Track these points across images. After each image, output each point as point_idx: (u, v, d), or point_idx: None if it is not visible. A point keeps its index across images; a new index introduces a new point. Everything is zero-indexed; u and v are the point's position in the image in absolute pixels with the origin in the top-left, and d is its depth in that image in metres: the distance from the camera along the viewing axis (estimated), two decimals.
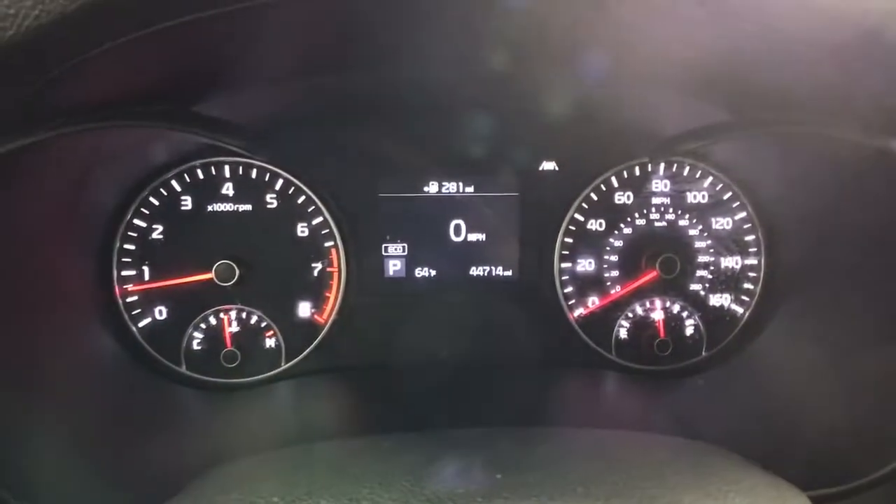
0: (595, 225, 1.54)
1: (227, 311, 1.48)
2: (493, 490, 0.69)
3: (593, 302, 1.55)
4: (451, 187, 1.53)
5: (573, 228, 1.54)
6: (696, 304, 1.55)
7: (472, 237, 1.54)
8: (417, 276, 1.54)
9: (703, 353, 1.55)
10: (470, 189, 1.53)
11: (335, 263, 1.50)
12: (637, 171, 1.53)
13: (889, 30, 0.83)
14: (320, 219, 1.49)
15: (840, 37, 0.86)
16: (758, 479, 0.84)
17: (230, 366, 1.47)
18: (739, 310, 1.55)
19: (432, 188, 1.53)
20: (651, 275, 1.50)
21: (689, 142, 1.27)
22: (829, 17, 0.82)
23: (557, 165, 1.53)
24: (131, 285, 1.45)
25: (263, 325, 1.49)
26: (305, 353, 1.51)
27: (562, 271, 1.54)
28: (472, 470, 0.73)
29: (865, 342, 1.20)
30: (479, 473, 0.71)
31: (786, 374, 1.38)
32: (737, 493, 0.77)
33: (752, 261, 1.54)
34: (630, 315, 1.55)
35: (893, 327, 1.15)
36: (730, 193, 1.53)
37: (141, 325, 1.47)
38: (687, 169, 1.53)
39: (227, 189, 1.47)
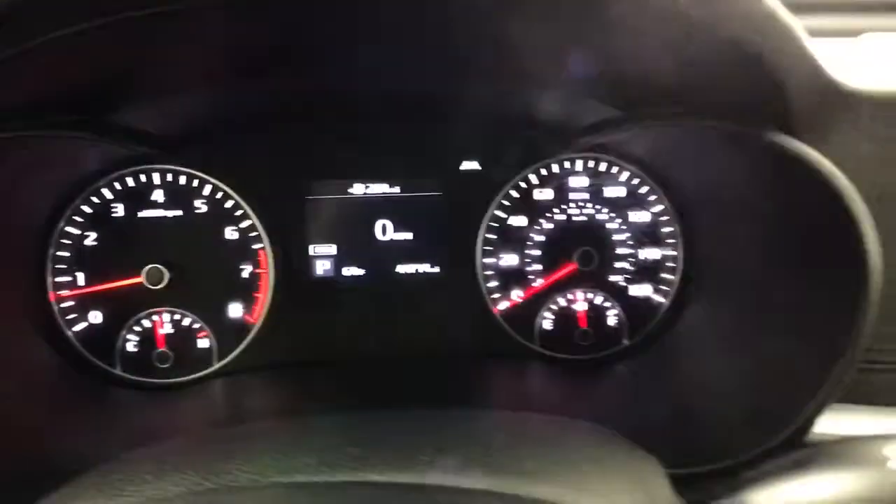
0: (517, 221, 1.59)
1: (159, 314, 1.53)
2: (341, 461, 0.74)
3: (517, 295, 1.60)
4: (376, 188, 1.58)
5: (495, 225, 1.59)
6: (617, 294, 1.60)
7: (399, 236, 1.59)
8: (345, 275, 1.59)
9: (625, 341, 1.60)
10: (395, 190, 1.59)
11: (264, 265, 1.55)
12: (556, 167, 1.58)
13: (722, 27, 0.90)
14: (248, 222, 1.54)
15: (677, 33, 0.93)
16: (617, 450, 0.89)
17: (163, 366, 1.52)
18: (659, 299, 1.60)
19: (358, 189, 1.58)
20: (570, 267, 1.56)
21: (586, 136, 1.32)
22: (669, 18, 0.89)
23: (479, 165, 1.59)
24: (66, 291, 1.50)
25: (196, 326, 1.54)
26: (236, 352, 1.55)
27: (485, 266, 1.59)
28: (329, 446, 0.78)
29: (772, 329, 1.25)
30: (333, 449, 0.76)
31: (701, 360, 1.44)
32: (588, 460, 0.82)
33: (670, 252, 1.59)
34: (553, 307, 1.60)
35: (795, 315, 1.20)
36: (647, 188, 1.59)
37: (76, 329, 1.51)
38: (604, 165, 1.59)
39: (158, 196, 1.51)
